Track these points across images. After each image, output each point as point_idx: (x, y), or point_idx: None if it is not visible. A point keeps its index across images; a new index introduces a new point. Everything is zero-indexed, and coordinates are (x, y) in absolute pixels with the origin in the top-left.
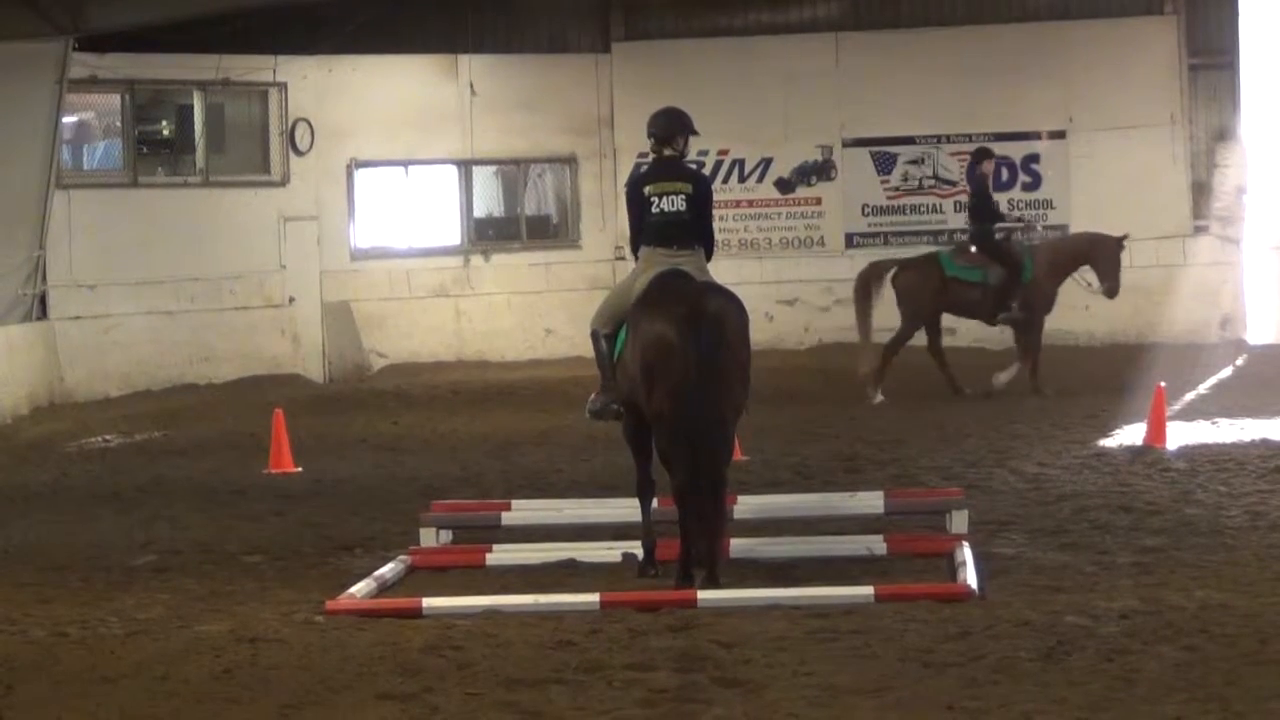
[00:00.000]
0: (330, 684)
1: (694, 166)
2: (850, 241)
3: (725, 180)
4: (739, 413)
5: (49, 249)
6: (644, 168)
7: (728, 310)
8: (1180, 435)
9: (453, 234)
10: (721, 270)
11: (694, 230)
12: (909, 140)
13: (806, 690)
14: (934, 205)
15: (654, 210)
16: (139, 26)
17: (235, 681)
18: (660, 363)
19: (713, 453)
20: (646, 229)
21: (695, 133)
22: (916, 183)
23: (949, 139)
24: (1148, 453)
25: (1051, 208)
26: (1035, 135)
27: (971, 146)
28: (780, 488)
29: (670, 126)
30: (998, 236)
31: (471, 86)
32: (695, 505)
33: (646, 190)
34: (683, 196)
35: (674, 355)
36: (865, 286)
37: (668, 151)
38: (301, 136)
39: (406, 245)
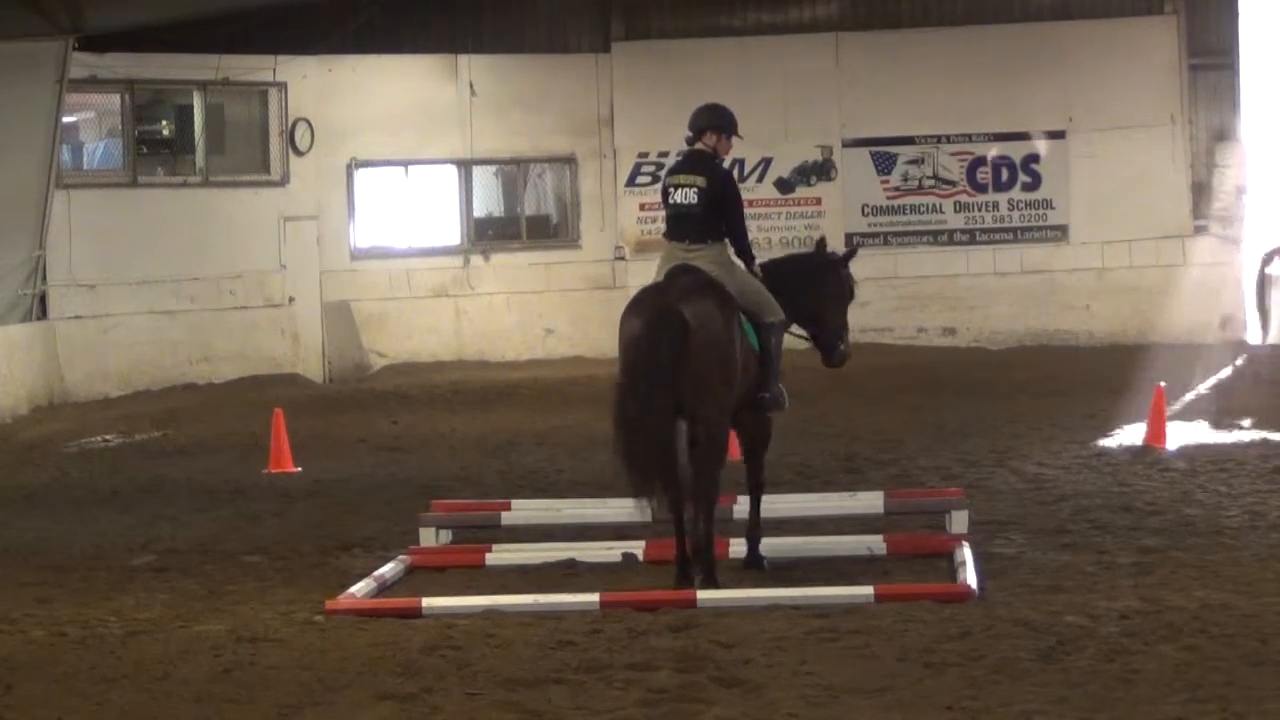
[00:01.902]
0: (330, 684)
1: (717, 161)
2: (850, 242)
3: None
4: (723, 410)
5: (49, 249)
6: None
7: (699, 313)
8: (1180, 435)
9: (452, 234)
10: None
11: (705, 223)
12: (909, 140)
13: (806, 690)
14: (934, 205)
15: (669, 202)
16: (139, 26)
17: (235, 681)
18: (629, 364)
19: (703, 453)
20: (666, 222)
21: (733, 133)
22: (916, 183)
23: (948, 139)
24: (1147, 453)
25: (1051, 208)
26: (1035, 135)
27: (971, 146)
28: (780, 488)
29: (702, 122)
30: None
31: (471, 86)
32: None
33: (666, 182)
34: (695, 189)
35: (639, 357)
36: (1264, 268)
37: (698, 145)
38: (301, 136)
39: (406, 245)
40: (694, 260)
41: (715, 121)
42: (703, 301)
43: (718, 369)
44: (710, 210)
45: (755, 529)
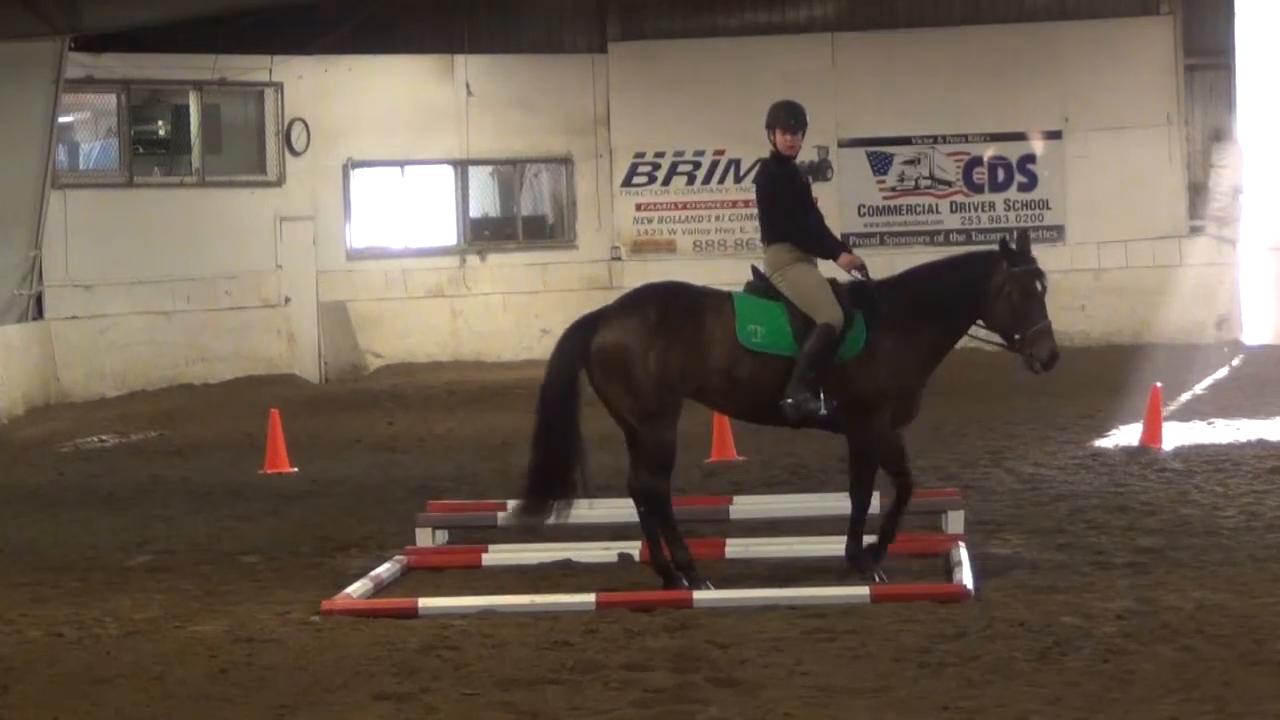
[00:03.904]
0: (326, 684)
1: (771, 160)
2: (846, 242)
3: (721, 180)
4: (643, 419)
5: (45, 249)
6: None
7: (610, 326)
8: (1176, 436)
9: (449, 234)
10: (719, 270)
11: (762, 226)
12: (905, 140)
13: (802, 690)
14: (930, 205)
15: None
16: (135, 26)
17: (231, 682)
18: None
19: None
20: None
21: (790, 128)
22: (913, 183)
23: (945, 139)
24: (1144, 453)
25: (1047, 208)
26: (1031, 135)
27: (967, 147)
28: (776, 488)
29: (766, 119)
30: None
31: (468, 86)
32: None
33: None
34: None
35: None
36: None
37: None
38: (297, 136)
39: (402, 245)
40: (763, 264)
41: (770, 118)
42: (627, 314)
43: (616, 382)
44: (760, 213)
45: (852, 542)
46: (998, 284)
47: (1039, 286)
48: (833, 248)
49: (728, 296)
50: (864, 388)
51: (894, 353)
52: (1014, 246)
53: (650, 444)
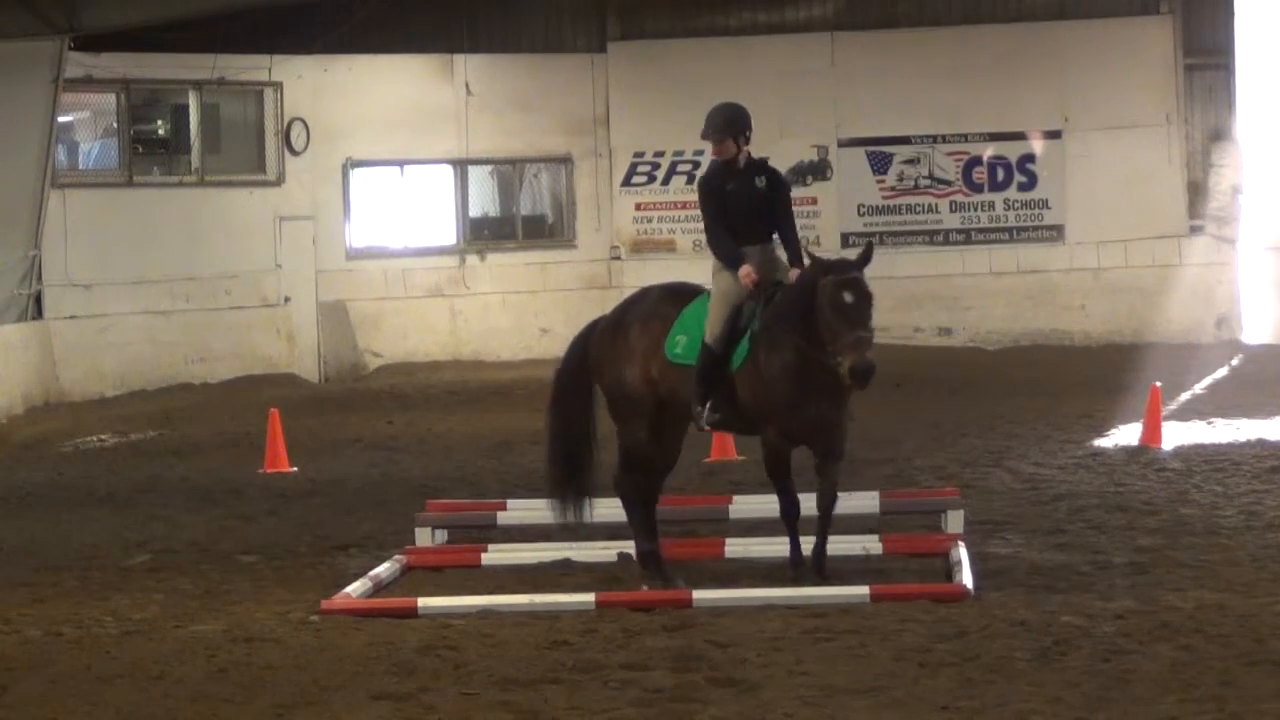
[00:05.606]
0: (325, 684)
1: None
2: (846, 242)
3: None
4: (619, 419)
5: (44, 249)
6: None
7: (598, 328)
8: (1176, 435)
9: (448, 234)
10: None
11: None
12: (905, 140)
13: (802, 690)
14: (930, 205)
15: None
16: (135, 26)
17: (230, 681)
18: None
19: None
20: None
21: (705, 134)
22: (912, 182)
23: (944, 139)
24: (1143, 453)
25: (1047, 208)
26: (1031, 135)
27: (967, 146)
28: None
29: None
30: None
31: (467, 86)
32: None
33: None
34: None
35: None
36: None
37: None
38: (297, 136)
39: (402, 245)
40: None
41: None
42: (607, 321)
43: (603, 382)
44: None
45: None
46: (816, 296)
47: (847, 297)
48: (729, 258)
49: (689, 301)
50: (745, 399)
51: (764, 366)
52: (828, 256)
53: (622, 442)
